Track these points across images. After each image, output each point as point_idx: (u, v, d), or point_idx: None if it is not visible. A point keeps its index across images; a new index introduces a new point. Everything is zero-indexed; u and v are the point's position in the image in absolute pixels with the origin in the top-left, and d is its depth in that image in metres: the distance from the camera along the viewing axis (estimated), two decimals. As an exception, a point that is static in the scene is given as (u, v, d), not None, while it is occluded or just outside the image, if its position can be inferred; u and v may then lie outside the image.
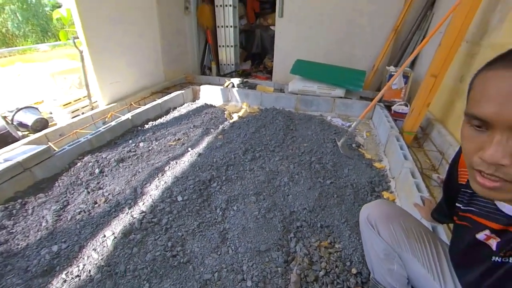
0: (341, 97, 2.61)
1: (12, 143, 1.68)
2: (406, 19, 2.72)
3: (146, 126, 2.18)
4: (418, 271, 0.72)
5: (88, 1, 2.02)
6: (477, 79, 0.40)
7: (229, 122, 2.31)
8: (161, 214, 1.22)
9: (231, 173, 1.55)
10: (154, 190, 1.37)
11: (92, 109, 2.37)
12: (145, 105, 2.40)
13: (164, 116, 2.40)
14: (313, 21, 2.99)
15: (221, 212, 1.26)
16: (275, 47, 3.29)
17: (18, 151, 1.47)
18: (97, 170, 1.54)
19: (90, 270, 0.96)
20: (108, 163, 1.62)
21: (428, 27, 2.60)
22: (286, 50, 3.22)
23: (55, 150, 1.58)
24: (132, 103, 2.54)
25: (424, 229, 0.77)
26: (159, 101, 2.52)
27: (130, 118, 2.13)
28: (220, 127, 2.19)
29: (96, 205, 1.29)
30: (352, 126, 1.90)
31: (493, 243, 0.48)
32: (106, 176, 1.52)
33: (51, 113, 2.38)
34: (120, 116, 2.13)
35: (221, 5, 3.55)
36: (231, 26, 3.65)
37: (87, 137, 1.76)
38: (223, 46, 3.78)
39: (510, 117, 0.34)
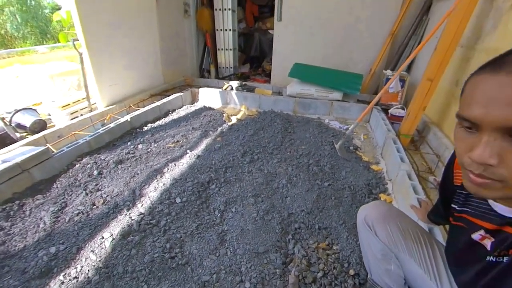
0: (338, 100, 2.64)
1: (10, 144, 1.67)
2: (403, 24, 2.77)
3: (145, 128, 2.18)
4: (415, 271, 0.73)
5: (88, 4, 2.04)
6: (468, 83, 0.42)
7: (227, 124, 2.32)
8: (159, 216, 1.22)
9: (230, 175, 1.56)
10: (152, 192, 1.38)
11: (91, 111, 2.37)
12: (144, 107, 2.40)
13: (163, 119, 2.41)
14: (311, 25, 3.03)
15: (219, 214, 1.26)
16: (273, 50, 3.32)
17: (16, 152, 1.47)
18: (95, 172, 1.54)
19: (88, 272, 0.96)
20: (107, 164, 1.62)
21: (424, 32, 2.65)
22: (284, 54, 3.25)
23: (53, 152, 1.58)
24: (131, 105, 2.54)
25: (421, 230, 0.78)
26: (158, 103, 2.52)
27: (129, 120, 2.13)
28: (219, 129, 2.20)
29: (95, 206, 1.28)
30: (350, 129, 1.92)
31: (488, 243, 0.49)
32: (104, 177, 1.52)
33: (49, 115, 2.38)
34: (119, 118, 2.14)
35: (220, 9, 3.58)
36: (230, 30, 3.68)
37: (85, 139, 1.76)
38: (222, 49, 3.81)
39: (496, 119, 0.36)
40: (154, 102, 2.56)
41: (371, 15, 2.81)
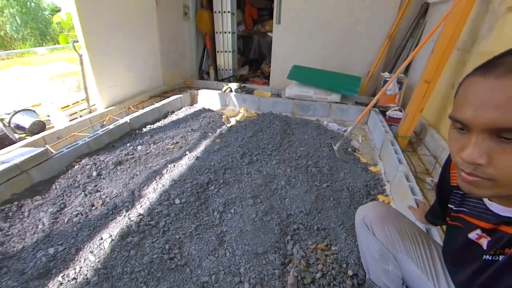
0: (337, 102, 2.65)
1: (9, 145, 1.67)
2: (400, 27, 2.80)
3: (144, 130, 2.19)
4: (413, 271, 0.74)
5: (88, 6, 2.05)
6: (461, 85, 0.43)
7: (226, 126, 2.33)
8: (158, 217, 1.22)
9: (229, 176, 1.56)
10: (151, 193, 1.38)
11: (90, 112, 2.37)
12: (143, 109, 2.41)
13: (162, 120, 2.41)
14: (310, 28, 3.05)
15: (218, 215, 1.26)
16: (272, 53, 3.34)
17: (15, 154, 1.46)
18: (94, 173, 1.54)
19: (86, 273, 0.96)
20: (106, 166, 1.62)
21: (421, 35, 2.68)
22: (283, 56, 3.27)
23: (52, 153, 1.58)
24: (130, 106, 2.55)
25: (418, 230, 0.79)
26: (157, 105, 2.53)
27: (128, 121, 2.14)
28: (218, 131, 2.21)
29: (94, 207, 1.28)
30: (348, 130, 1.93)
31: (484, 242, 0.49)
32: (103, 178, 1.52)
33: (48, 116, 2.38)
34: (118, 120, 2.14)
35: (219, 12, 3.61)
36: (229, 32, 3.70)
37: (85, 140, 1.76)
38: (221, 51, 3.83)
39: (484, 121, 0.37)
40: (153, 104, 2.57)
41: (369, 18, 2.84)
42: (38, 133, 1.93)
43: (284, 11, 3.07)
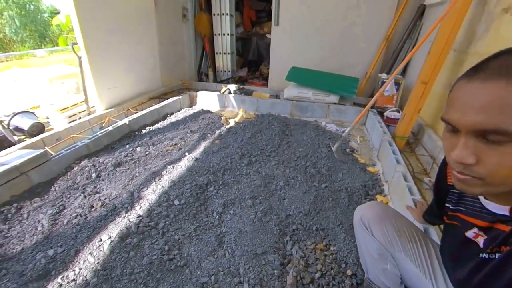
0: (335, 103, 2.67)
1: (8, 147, 1.67)
2: (397, 28, 2.82)
3: (143, 131, 2.19)
4: (411, 270, 0.74)
5: (87, 8, 2.06)
6: (453, 87, 0.45)
7: (225, 127, 2.34)
8: (158, 218, 1.22)
9: (228, 177, 1.57)
10: (151, 194, 1.38)
11: (89, 114, 2.37)
12: (142, 111, 2.41)
13: (161, 121, 2.42)
14: (308, 30, 3.07)
15: (217, 216, 1.27)
16: (271, 54, 3.36)
17: (15, 155, 1.46)
18: (94, 175, 1.54)
19: (86, 275, 0.96)
20: (105, 167, 1.62)
21: (418, 36, 2.70)
22: (281, 58, 3.29)
23: (51, 155, 1.58)
24: (129, 108, 2.55)
25: (416, 230, 0.80)
26: (156, 106, 2.54)
27: (127, 123, 2.14)
28: (217, 132, 2.21)
29: (93, 209, 1.29)
30: (346, 131, 1.94)
31: (481, 240, 0.50)
32: (103, 180, 1.52)
33: (48, 118, 2.38)
34: (117, 121, 2.14)
35: (218, 14, 3.63)
36: (228, 34, 3.72)
37: (84, 142, 1.76)
38: (220, 53, 3.85)
39: (470, 123, 0.39)
40: (152, 105, 2.57)
41: (367, 20, 2.87)
42: (37, 135, 1.93)
43: (282, 13, 3.09)
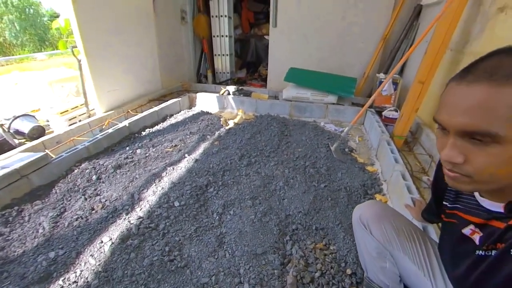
0: (333, 104, 2.68)
1: (9, 150, 1.68)
2: (394, 29, 2.84)
3: (143, 133, 2.20)
4: (409, 268, 0.75)
5: (87, 12, 2.07)
6: (445, 88, 0.46)
7: (225, 128, 2.35)
8: (158, 220, 1.23)
9: (228, 178, 1.57)
10: (151, 196, 1.39)
11: (89, 116, 2.38)
12: (142, 113, 2.42)
13: (161, 123, 2.43)
14: (306, 31, 3.09)
15: (217, 217, 1.27)
16: (269, 55, 3.37)
17: (15, 159, 1.47)
18: (94, 177, 1.55)
19: (87, 276, 0.96)
20: (105, 169, 1.63)
21: (414, 36, 2.72)
22: (280, 59, 3.30)
23: (52, 157, 1.59)
24: (129, 110, 2.56)
25: (414, 228, 0.80)
26: (156, 108, 2.55)
27: (127, 125, 2.15)
28: (216, 133, 2.22)
29: (94, 211, 1.29)
30: (345, 131, 1.95)
31: (477, 237, 0.51)
32: (103, 182, 1.53)
33: (48, 121, 2.39)
34: (117, 124, 2.15)
35: (216, 16, 3.65)
36: (226, 36, 3.74)
37: (84, 144, 1.77)
38: (218, 55, 3.87)
39: (456, 124, 0.41)
40: (152, 107, 2.58)
41: (364, 20, 2.88)
42: (37, 138, 1.94)
43: (280, 15, 3.11)
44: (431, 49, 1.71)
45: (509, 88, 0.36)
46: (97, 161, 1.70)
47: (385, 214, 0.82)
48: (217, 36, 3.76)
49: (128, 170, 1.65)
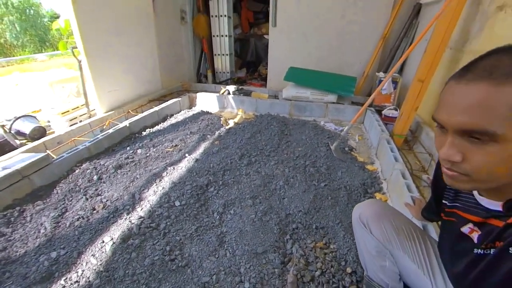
0: (333, 103, 2.68)
1: (10, 151, 1.69)
2: (393, 27, 2.83)
3: (144, 133, 2.21)
4: (409, 267, 0.75)
5: (87, 12, 2.08)
6: (444, 87, 0.46)
7: (225, 128, 2.35)
8: (159, 219, 1.23)
9: (228, 177, 1.58)
10: (152, 196, 1.39)
11: (90, 117, 2.39)
12: (142, 113, 2.43)
13: (161, 123, 2.43)
14: (306, 30, 3.09)
15: (218, 216, 1.28)
16: (269, 55, 3.37)
17: (17, 159, 1.48)
18: (95, 177, 1.55)
19: (89, 276, 0.97)
20: (106, 169, 1.63)
21: (414, 35, 2.72)
22: (279, 58, 3.30)
23: (53, 158, 1.59)
24: (129, 110, 2.57)
25: (414, 227, 0.81)
26: (156, 108, 2.55)
27: (127, 125, 2.15)
28: (217, 133, 2.23)
29: (95, 211, 1.30)
30: (345, 130, 1.95)
31: (475, 235, 0.51)
32: (104, 182, 1.53)
33: (49, 122, 2.39)
34: (117, 124, 2.16)
35: (216, 16, 3.65)
36: (226, 36, 3.74)
37: (85, 145, 1.77)
38: (218, 54, 3.87)
39: (455, 123, 0.41)
40: (152, 108, 2.59)
41: (363, 19, 2.88)
42: (38, 138, 1.95)
43: (279, 14, 3.11)
44: (431, 47, 1.71)
45: (508, 87, 0.36)
46: (98, 161, 1.71)
47: (385, 213, 0.82)
48: (217, 35, 3.76)
49: (129, 170, 1.66)
